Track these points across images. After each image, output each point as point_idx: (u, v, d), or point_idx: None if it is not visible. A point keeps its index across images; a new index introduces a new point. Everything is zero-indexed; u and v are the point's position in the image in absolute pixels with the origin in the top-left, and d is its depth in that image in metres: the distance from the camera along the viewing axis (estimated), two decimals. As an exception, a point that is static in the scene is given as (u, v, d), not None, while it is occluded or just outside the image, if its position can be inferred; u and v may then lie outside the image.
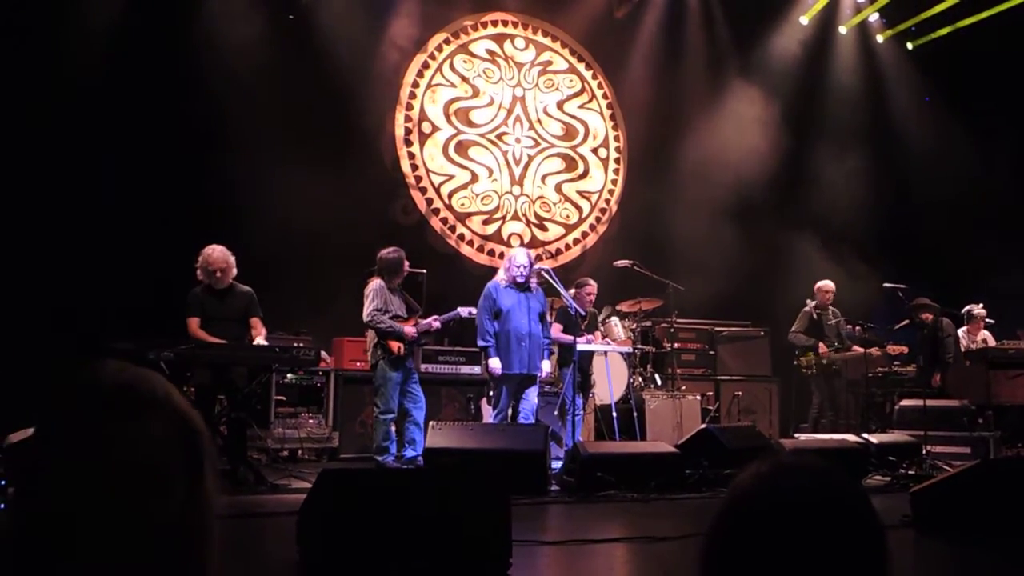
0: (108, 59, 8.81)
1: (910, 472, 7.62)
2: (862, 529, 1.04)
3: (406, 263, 7.92)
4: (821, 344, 9.95)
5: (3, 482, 1.53)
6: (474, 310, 8.06)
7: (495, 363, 7.86)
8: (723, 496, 1.09)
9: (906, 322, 10.15)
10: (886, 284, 9.72)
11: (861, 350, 9.78)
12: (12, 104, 8.27)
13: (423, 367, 9.05)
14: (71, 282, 8.19)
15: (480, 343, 8.01)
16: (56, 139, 8.34)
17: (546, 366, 8.16)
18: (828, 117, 13.13)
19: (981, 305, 10.58)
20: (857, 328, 10.02)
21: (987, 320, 10.61)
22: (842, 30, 13.42)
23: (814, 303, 10.17)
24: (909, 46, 13.52)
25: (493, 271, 10.24)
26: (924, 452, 8.18)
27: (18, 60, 8.48)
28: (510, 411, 8.01)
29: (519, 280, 7.99)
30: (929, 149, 12.58)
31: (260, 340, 7.05)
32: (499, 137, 11.89)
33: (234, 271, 7.17)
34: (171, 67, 9.12)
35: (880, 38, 13.58)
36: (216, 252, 7.08)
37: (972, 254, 11.41)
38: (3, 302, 7.83)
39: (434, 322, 7.94)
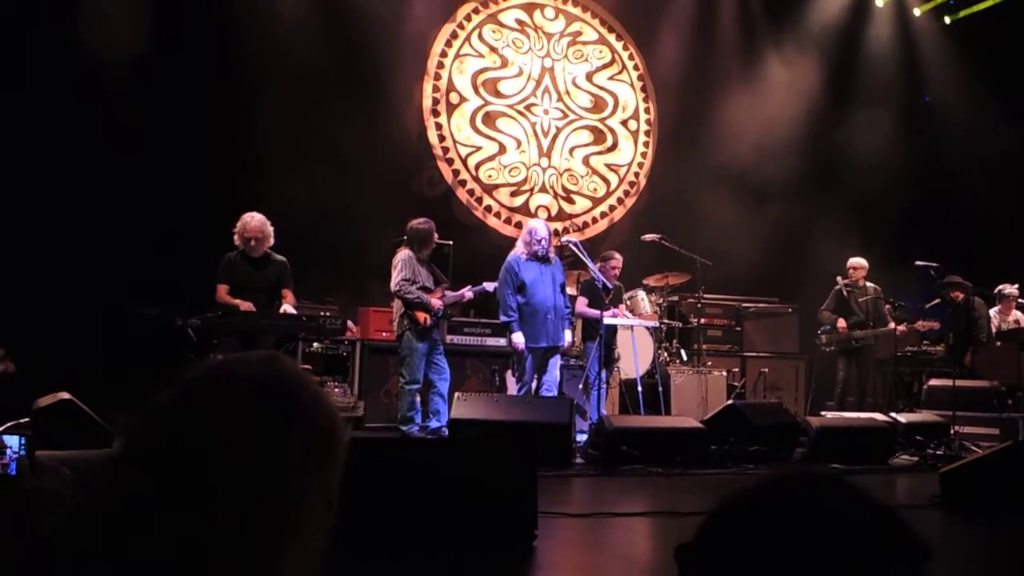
0: (135, 30, 8.79)
1: (938, 452, 7.55)
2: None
3: (436, 235, 7.88)
4: (840, 320, 9.86)
5: (31, 444, 1.52)
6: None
7: (519, 338, 7.78)
8: (721, 498, 1.00)
9: (937, 301, 10.03)
10: (918, 262, 9.59)
11: (894, 326, 9.69)
12: (43, 76, 8.32)
13: (448, 338, 9.02)
14: (97, 251, 8.24)
15: (503, 318, 7.92)
16: (88, 110, 8.37)
17: (568, 336, 8.08)
18: (862, 91, 12.93)
19: (1017, 286, 10.40)
20: (888, 306, 9.91)
21: (1020, 300, 10.44)
22: (878, 2, 13.18)
23: (845, 280, 10.07)
24: (947, 20, 13.27)
25: (520, 243, 10.20)
26: (952, 432, 8.09)
27: (50, 32, 8.51)
28: (534, 384, 7.97)
29: (540, 253, 7.91)
30: (965, 125, 12.35)
31: (287, 309, 7.06)
32: (527, 108, 11.80)
33: (271, 241, 7.17)
34: (198, 37, 9.09)
35: (917, 11, 13.35)
36: (254, 221, 7.06)
37: (1007, 233, 11.24)
38: (29, 272, 7.89)
39: (467, 292, 7.93)
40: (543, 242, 7.90)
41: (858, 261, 10.10)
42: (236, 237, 7.08)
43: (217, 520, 0.98)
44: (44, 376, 6.91)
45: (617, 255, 8.93)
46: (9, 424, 6.06)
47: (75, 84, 8.42)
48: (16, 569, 1.01)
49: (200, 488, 0.99)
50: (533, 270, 7.87)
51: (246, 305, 6.87)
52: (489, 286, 8.01)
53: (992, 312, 10.33)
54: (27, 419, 6.18)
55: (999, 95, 12.18)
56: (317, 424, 1.07)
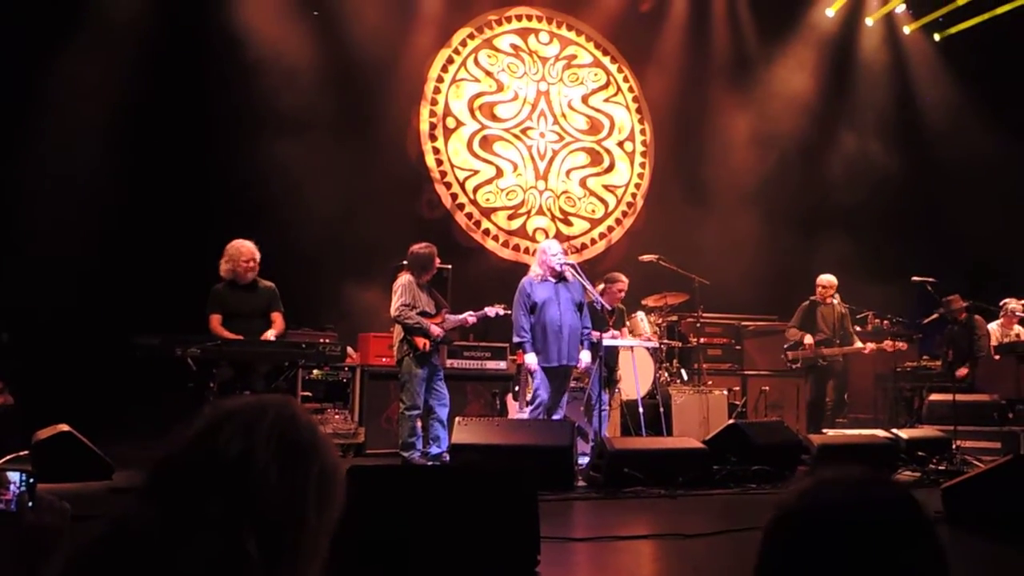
0: (131, 55, 8.85)
1: (940, 467, 7.52)
2: (907, 532, 1.06)
3: (437, 259, 7.84)
4: (808, 337, 9.83)
5: (32, 479, 1.52)
6: (501, 311, 7.98)
7: (531, 359, 7.69)
8: (768, 516, 1.08)
9: (934, 316, 10.02)
10: (915, 277, 9.60)
11: (861, 346, 9.66)
12: (37, 96, 8.37)
13: (448, 362, 9.00)
14: (96, 280, 8.26)
15: (515, 339, 7.82)
16: (82, 136, 8.42)
17: (585, 357, 7.84)
18: (855, 109, 13.02)
19: (1022, 302, 10.36)
20: (885, 322, 9.89)
21: (1021, 315, 10.41)
22: (868, 22, 13.30)
23: (813, 296, 10.06)
24: (936, 37, 13.39)
25: (518, 266, 10.24)
26: (954, 447, 8.08)
27: (47, 55, 8.56)
28: (550, 404, 7.84)
29: (557, 269, 7.85)
30: (959, 141, 12.41)
31: (270, 334, 6.97)
32: (523, 132, 11.86)
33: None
34: (194, 63, 9.16)
35: (907, 29, 13.46)
36: (246, 245, 7.02)
37: (1000, 246, 11.26)
38: (27, 303, 7.88)
39: (469, 317, 7.90)
40: (558, 255, 7.85)
41: (826, 278, 10.05)
42: (225, 266, 6.99)
43: (256, 538, 1.07)
44: (43, 408, 6.91)
45: (623, 278, 8.85)
46: (9, 457, 6.06)
47: (76, 108, 8.46)
48: None
49: (241, 509, 1.08)
50: (546, 290, 7.81)
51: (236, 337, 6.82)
52: (491, 311, 7.97)
53: (993, 325, 10.31)
54: (27, 452, 6.18)
55: (992, 110, 12.25)
56: (328, 464, 1.18)
